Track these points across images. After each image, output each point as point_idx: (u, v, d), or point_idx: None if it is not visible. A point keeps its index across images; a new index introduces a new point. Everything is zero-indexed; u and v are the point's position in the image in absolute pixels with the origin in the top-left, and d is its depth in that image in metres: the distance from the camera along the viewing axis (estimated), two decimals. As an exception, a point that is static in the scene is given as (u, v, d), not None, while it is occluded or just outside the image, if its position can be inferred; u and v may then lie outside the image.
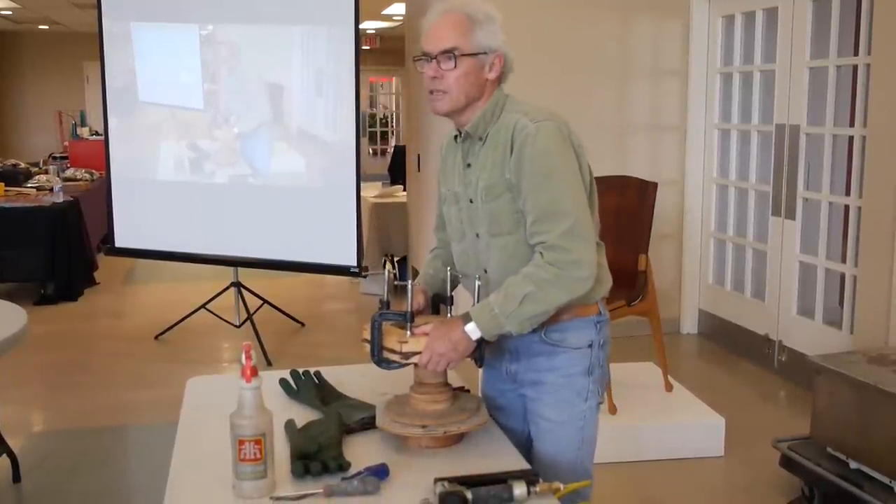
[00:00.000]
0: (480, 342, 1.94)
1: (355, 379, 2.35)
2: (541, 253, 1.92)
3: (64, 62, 14.35)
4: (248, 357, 1.68)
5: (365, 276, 5.42)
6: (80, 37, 13.59)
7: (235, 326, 5.63)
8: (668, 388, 4.18)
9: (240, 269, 5.63)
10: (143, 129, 5.56)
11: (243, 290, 5.65)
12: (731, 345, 5.38)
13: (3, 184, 7.31)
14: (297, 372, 2.32)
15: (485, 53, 1.99)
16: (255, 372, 1.68)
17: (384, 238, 6.91)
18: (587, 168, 2.04)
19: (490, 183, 2.00)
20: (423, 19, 2.04)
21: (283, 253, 5.28)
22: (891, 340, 3.79)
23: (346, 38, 4.97)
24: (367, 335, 1.98)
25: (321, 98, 5.19)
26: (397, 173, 9.58)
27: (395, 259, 7.23)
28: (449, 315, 2.09)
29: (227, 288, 5.71)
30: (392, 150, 15.48)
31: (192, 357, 5.36)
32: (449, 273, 2.13)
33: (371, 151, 16.74)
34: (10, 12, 11.63)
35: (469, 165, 2.07)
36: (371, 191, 7.48)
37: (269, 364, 5.10)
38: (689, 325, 5.75)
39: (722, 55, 5.41)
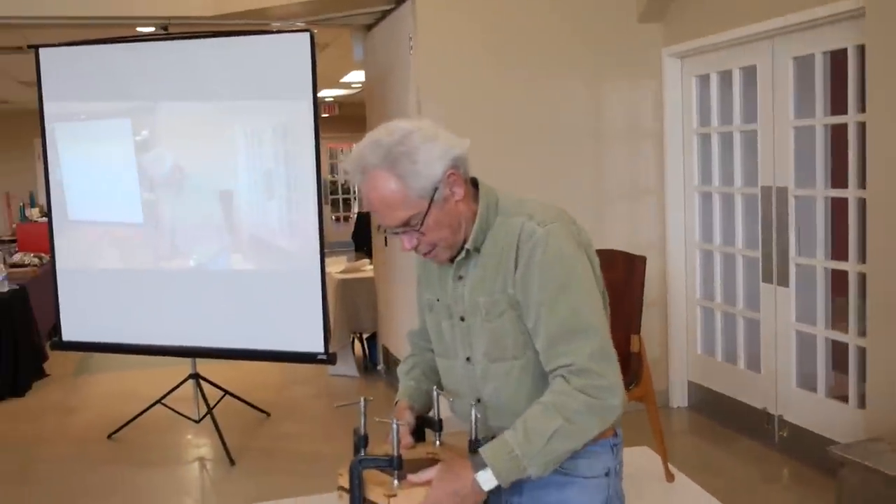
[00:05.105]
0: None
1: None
2: (563, 377, 1.61)
3: (13, 140, 13.89)
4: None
5: (333, 364, 5.06)
6: (30, 114, 13.13)
7: (195, 421, 5.22)
8: (670, 478, 3.85)
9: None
10: (83, 246, 5.19)
11: (202, 381, 5.26)
12: (726, 419, 5.06)
13: (-57, 273, 6.87)
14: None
15: (436, 189, 1.65)
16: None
17: (352, 315, 6.56)
18: (597, 264, 1.77)
19: (491, 299, 1.69)
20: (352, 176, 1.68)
21: (243, 341, 4.90)
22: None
23: (305, 108, 4.67)
24: (345, 482, 1.64)
25: (279, 185, 4.87)
26: (361, 240, 9.32)
27: (365, 336, 6.90)
28: (437, 442, 1.78)
29: (184, 380, 5.30)
30: (355, 216, 15.29)
31: (149, 458, 4.93)
32: (436, 392, 1.82)
33: (334, 218, 16.51)
34: (-47, 91, 11.24)
35: (461, 278, 1.76)
36: (336, 265, 7.16)
37: (233, 463, 4.71)
38: (679, 398, 5.43)
39: (698, 116, 5.20)
